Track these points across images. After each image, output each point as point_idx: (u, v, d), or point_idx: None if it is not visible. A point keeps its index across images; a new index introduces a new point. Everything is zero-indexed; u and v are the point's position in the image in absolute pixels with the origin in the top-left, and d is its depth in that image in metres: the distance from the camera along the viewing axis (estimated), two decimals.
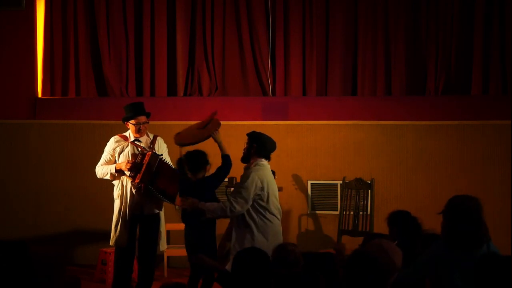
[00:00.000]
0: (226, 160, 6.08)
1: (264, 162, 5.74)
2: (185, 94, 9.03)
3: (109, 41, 9.03)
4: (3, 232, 7.96)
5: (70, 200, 8.49)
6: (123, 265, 6.70)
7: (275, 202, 5.76)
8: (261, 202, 5.66)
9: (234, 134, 7.54)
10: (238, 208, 5.60)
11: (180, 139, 6.19)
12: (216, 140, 6.07)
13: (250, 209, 5.65)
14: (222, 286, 4.51)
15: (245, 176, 5.68)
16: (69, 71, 9.06)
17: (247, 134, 5.87)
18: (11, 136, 8.65)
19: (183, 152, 6.26)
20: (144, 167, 6.37)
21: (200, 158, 6.18)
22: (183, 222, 6.18)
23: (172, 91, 9.06)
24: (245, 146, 5.80)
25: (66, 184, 8.46)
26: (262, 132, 5.88)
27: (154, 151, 6.50)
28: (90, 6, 9.06)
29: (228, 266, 5.14)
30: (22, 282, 3.94)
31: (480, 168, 8.08)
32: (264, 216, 5.66)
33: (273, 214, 5.72)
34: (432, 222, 4.83)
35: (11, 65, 8.83)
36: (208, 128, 6.11)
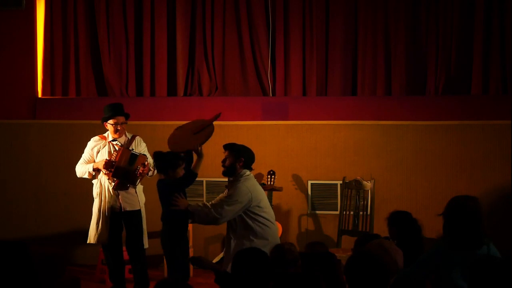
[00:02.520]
0: (192, 176, 5.84)
1: (248, 172, 5.75)
2: (185, 94, 9.02)
3: (109, 41, 9.02)
4: (3, 232, 7.96)
5: (70, 200, 8.48)
6: (112, 263, 6.83)
7: (269, 207, 5.81)
8: (256, 210, 5.68)
9: (234, 134, 7.54)
10: (224, 218, 5.64)
11: (173, 144, 5.99)
12: (198, 154, 5.82)
13: (246, 219, 5.68)
14: (221, 287, 4.51)
15: (234, 188, 5.68)
16: (69, 71, 9.05)
17: (226, 147, 5.79)
18: (11, 136, 8.64)
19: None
20: (116, 163, 6.53)
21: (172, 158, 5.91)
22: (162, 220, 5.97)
23: (172, 91, 9.05)
24: (229, 159, 5.75)
25: (66, 184, 8.44)
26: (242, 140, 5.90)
27: (129, 148, 6.63)
28: (90, 6, 9.06)
29: (228, 268, 5.14)
30: (22, 282, 3.94)
31: (480, 168, 8.07)
32: (261, 222, 5.70)
33: (268, 219, 5.75)
34: (432, 222, 4.84)
35: (11, 65, 8.81)
36: (200, 137, 5.90)
